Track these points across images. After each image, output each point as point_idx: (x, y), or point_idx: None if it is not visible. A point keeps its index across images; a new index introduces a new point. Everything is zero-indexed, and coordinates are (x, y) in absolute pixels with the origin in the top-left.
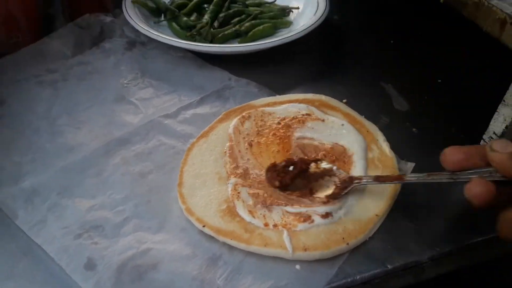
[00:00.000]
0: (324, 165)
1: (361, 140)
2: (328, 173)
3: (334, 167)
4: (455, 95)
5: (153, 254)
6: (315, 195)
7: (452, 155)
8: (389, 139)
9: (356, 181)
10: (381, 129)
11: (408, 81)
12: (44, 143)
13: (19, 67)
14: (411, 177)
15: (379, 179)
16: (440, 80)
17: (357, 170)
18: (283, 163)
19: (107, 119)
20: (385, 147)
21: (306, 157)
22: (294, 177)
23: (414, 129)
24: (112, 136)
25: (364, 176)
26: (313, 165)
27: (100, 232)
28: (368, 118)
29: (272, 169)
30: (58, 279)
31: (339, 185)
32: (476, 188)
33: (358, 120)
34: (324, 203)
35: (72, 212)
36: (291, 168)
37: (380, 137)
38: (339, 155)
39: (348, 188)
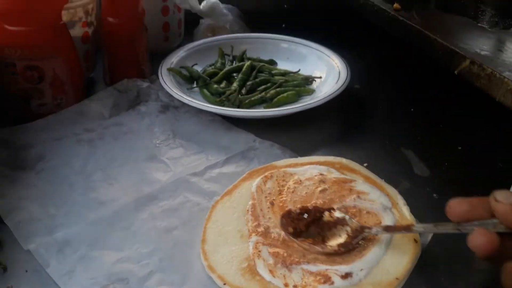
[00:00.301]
0: (337, 214)
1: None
2: (341, 222)
3: (347, 217)
4: (476, 162)
5: None
6: (327, 243)
7: (456, 206)
8: (409, 204)
9: (367, 230)
10: (401, 193)
11: (429, 147)
12: (78, 197)
13: (60, 125)
14: (419, 227)
15: (388, 229)
16: (460, 148)
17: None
18: (298, 210)
19: (138, 176)
20: (405, 210)
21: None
22: (308, 224)
23: (434, 195)
24: (142, 192)
25: (375, 226)
26: (326, 213)
27: (125, 285)
28: (388, 182)
29: (287, 216)
30: None
31: (350, 234)
32: (478, 239)
33: (378, 183)
34: (339, 254)
35: (99, 264)
36: (305, 215)
37: (400, 201)
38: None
39: (359, 237)
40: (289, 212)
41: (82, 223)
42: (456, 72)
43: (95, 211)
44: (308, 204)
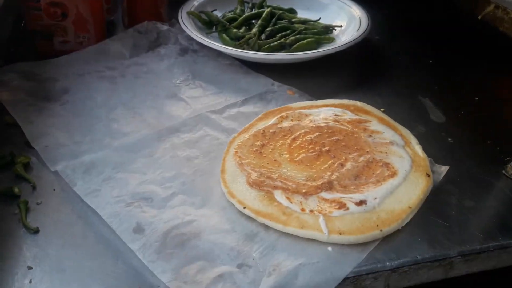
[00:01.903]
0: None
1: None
2: None
3: None
4: (491, 112)
5: (196, 225)
6: None
7: None
8: (424, 147)
9: None
10: (416, 137)
11: (446, 96)
12: (102, 127)
13: (83, 62)
14: None
15: None
16: (477, 98)
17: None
18: None
19: (159, 111)
20: (418, 148)
21: None
22: None
23: (449, 139)
24: (163, 125)
25: None
26: None
27: (149, 203)
28: (403, 126)
29: None
30: (107, 240)
31: None
32: None
33: (392, 124)
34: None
35: (124, 185)
36: None
37: (413, 140)
38: None
39: None
40: None
41: (107, 149)
42: (479, 17)
43: (118, 140)
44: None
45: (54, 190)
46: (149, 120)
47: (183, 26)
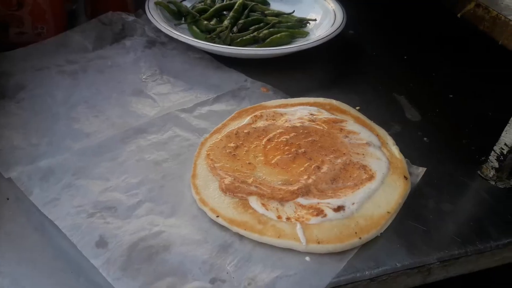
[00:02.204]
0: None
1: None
2: None
3: None
4: (467, 109)
5: (164, 236)
6: None
7: None
8: (400, 146)
9: None
10: (392, 136)
11: (421, 94)
12: (62, 127)
13: (42, 56)
14: None
15: None
16: (451, 96)
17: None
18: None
19: (124, 110)
20: (395, 149)
21: None
22: None
23: (425, 139)
24: (129, 125)
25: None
26: None
27: (113, 213)
28: (380, 125)
29: None
30: (68, 255)
31: None
32: None
33: (368, 124)
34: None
35: (86, 193)
36: None
37: (390, 141)
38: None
39: None
40: None
41: (67, 153)
42: (459, 15)
43: (80, 142)
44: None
45: (8, 199)
46: (113, 120)
47: (150, 17)
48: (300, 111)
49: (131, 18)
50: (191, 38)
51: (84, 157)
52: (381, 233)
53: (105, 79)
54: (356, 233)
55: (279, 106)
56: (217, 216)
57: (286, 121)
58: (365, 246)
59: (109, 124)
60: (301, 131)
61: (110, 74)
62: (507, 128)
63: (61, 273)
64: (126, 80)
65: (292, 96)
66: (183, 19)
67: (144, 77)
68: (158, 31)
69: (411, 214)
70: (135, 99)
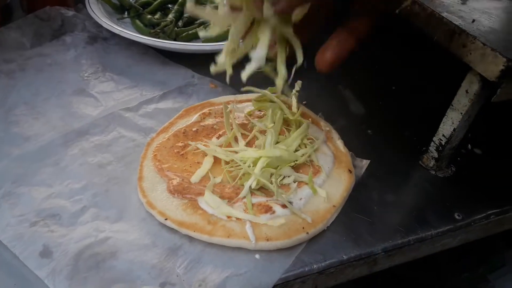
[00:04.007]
0: None
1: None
2: None
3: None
4: (408, 101)
5: (111, 243)
6: None
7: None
8: (345, 140)
9: None
10: (338, 130)
11: (365, 86)
12: None
13: None
14: None
15: None
16: (394, 87)
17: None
18: None
19: (65, 111)
20: (339, 143)
21: None
22: None
23: (369, 131)
24: (71, 127)
25: None
26: None
27: (57, 221)
28: (326, 119)
29: None
30: (10, 266)
31: None
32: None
33: (314, 118)
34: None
35: (27, 200)
36: None
37: (335, 135)
38: None
39: None
40: None
41: (5, 159)
42: (397, 11)
43: (19, 147)
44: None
45: None
46: (54, 122)
47: (90, 12)
48: (248, 107)
49: (70, 13)
50: (134, 34)
51: (24, 163)
52: (327, 227)
53: (44, 78)
54: (303, 228)
55: (228, 102)
56: (166, 219)
57: (234, 118)
58: (313, 239)
59: (50, 127)
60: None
61: (50, 73)
62: (444, 119)
63: (3, 286)
64: (67, 79)
65: (240, 92)
66: (126, 13)
67: (86, 75)
68: (100, 26)
69: (356, 206)
70: (77, 99)
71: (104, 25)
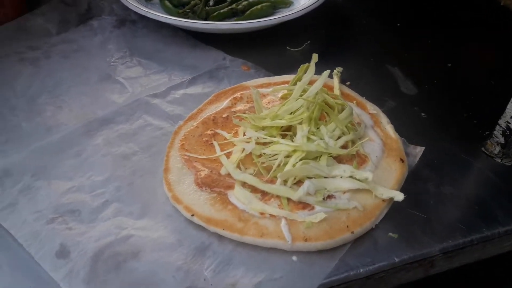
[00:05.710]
0: None
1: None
2: None
3: None
4: (466, 80)
5: (133, 241)
6: None
7: None
8: (396, 124)
9: None
10: (387, 113)
11: (416, 64)
12: (20, 122)
13: (0, 43)
14: None
15: None
16: (450, 64)
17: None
18: None
19: (90, 99)
20: (389, 128)
21: None
22: None
23: (423, 114)
24: (95, 115)
25: None
26: None
27: (76, 217)
28: (372, 101)
29: None
30: (27, 267)
31: None
32: None
33: (359, 100)
34: None
35: (46, 195)
36: None
37: (383, 119)
38: None
39: None
40: None
41: (25, 150)
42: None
43: (40, 138)
44: None
45: None
46: (78, 110)
47: None
48: (284, 90)
49: None
50: (161, 14)
51: (45, 155)
52: (376, 225)
53: (69, 66)
54: (348, 226)
55: (261, 85)
56: (192, 215)
57: (269, 102)
58: (359, 240)
59: (72, 116)
60: None
61: (76, 59)
62: None
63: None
64: (93, 65)
65: (275, 74)
66: None
67: (112, 60)
68: (128, 8)
69: (410, 201)
70: (102, 86)
71: (132, 8)
